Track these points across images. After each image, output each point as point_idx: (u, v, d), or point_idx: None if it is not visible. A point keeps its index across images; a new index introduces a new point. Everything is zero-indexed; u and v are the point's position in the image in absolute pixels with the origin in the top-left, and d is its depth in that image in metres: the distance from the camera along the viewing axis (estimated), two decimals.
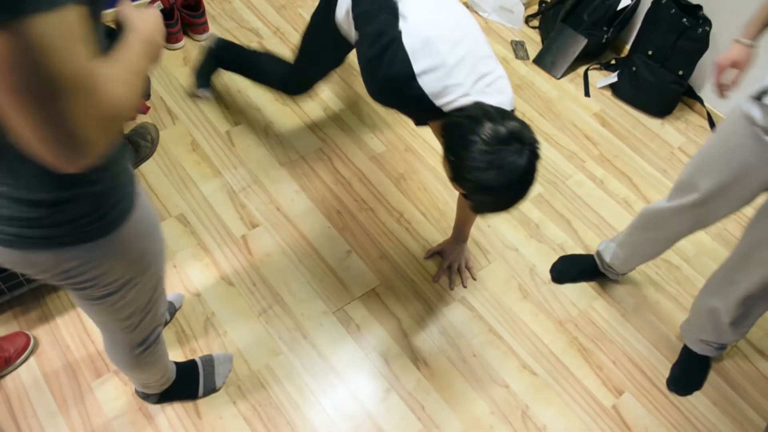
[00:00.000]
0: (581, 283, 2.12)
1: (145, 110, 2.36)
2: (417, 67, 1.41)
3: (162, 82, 2.48)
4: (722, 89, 1.56)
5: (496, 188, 1.32)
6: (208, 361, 1.76)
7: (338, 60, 1.99)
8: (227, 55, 2.25)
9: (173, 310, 1.87)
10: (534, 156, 1.34)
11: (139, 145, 2.20)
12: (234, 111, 2.44)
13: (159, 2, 2.61)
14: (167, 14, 2.60)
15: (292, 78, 2.09)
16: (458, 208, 1.97)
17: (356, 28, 1.58)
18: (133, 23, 0.87)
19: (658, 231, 1.80)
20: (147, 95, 2.42)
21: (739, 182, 1.51)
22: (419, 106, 1.47)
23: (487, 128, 1.31)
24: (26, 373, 1.71)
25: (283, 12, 2.87)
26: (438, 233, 2.18)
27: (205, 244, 2.04)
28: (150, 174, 2.20)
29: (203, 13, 2.66)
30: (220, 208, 2.14)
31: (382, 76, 1.46)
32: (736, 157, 1.48)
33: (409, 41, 1.43)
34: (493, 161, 1.30)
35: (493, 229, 2.22)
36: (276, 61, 2.14)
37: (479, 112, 1.36)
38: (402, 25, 1.47)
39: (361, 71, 1.55)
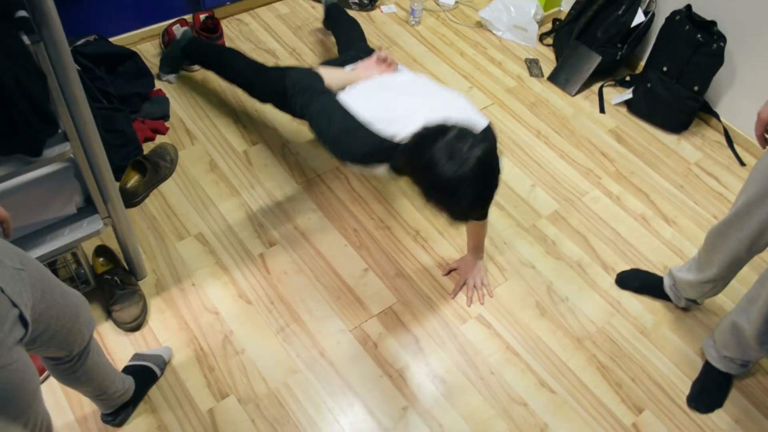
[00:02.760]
0: (599, 299, 2.11)
1: (164, 130, 2.41)
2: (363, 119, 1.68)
3: (180, 104, 2.52)
4: (765, 142, 1.57)
5: (459, 177, 1.41)
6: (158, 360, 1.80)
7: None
8: (199, 46, 2.48)
9: (162, 364, 1.81)
10: (480, 141, 1.44)
11: (159, 165, 2.23)
12: (251, 131, 2.47)
13: (177, 25, 2.66)
14: None
15: (257, 91, 2.21)
16: (468, 224, 1.98)
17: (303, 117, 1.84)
18: None
19: (730, 235, 1.74)
20: (166, 116, 2.46)
21: None
22: (381, 148, 1.64)
23: (437, 139, 1.46)
24: None
25: (299, 33, 2.91)
26: (454, 250, 2.19)
27: (223, 262, 2.06)
28: (169, 193, 2.23)
29: (221, 35, 2.71)
30: (237, 227, 2.16)
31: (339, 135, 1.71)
32: None
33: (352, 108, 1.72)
34: (448, 154, 1.42)
35: (509, 246, 2.23)
36: (245, 64, 2.27)
37: (423, 132, 1.52)
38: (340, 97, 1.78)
39: (330, 148, 1.76)
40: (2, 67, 1.24)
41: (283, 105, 2.04)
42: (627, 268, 2.20)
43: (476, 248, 2.05)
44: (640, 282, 2.14)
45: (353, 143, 1.67)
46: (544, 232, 2.29)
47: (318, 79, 1.84)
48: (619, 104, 2.84)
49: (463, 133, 1.44)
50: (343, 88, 1.86)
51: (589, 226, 2.33)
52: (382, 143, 1.63)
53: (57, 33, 1.30)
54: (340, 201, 2.28)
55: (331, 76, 1.87)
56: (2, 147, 1.38)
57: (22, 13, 1.29)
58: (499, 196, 1.86)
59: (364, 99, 1.76)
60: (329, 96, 1.78)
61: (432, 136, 1.47)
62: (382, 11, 3.14)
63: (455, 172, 1.40)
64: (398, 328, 1.97)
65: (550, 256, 2.22)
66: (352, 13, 2.99)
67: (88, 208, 1.71)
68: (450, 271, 2.12)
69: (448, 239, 2.22)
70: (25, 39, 1.28)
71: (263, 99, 2.19)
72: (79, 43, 2.35)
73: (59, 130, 1.47)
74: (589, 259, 2.23)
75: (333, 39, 2.67)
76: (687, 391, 1.93)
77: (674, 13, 2.61)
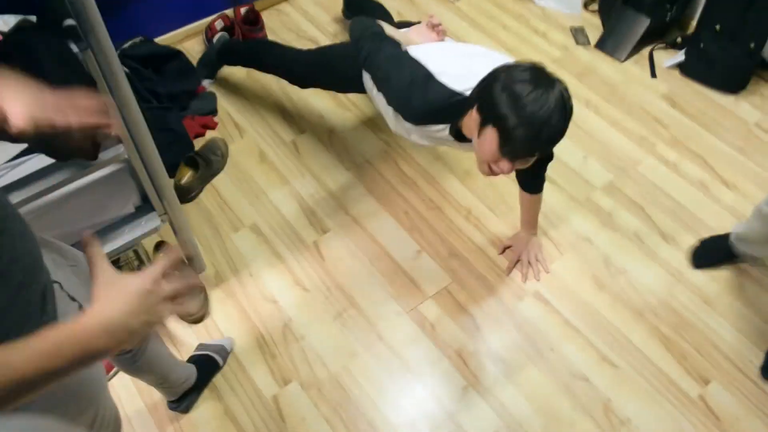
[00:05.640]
0: (660, 269, 2.06)
1: (213, 125, 2.45)
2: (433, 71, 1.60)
3: (227, 98, 2.56)
4: None
5: (544, 101, 1.32)
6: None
7: (345, 90, 2.20)
8: (233, 49, 2.52)
9: (224, 353, 1.87)
10: (558, 82, 1.36)
11: (210, 160, 2.28)
12: (297, 120, 2.49)
13: (220, 20, 2.70)
14: (228, 30, 2.69)
15: (298, 75, 2.23)
16: (521, 198, 1.95)
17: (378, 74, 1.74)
18: (97, 307, 0.71)
19: None
20: (214, 111, 2.50)
21: None
22: (449, 103, 1.56)
23: (507, 75, 1.37)
24: None
25: (338, 18, 2.91)
26: (507, 228, 2.17)
27: (278, 251, 2.10)
28: (222, 187, 2.28)
29: (262, 27, 2.73)
30: (290, 216, 2.19)
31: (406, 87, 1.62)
32: None
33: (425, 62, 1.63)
34: (531, 81, 1.34)
35: (563, 220, 2.19)
36: (280, 51, 2.30)
37: (498, 67, 1.43)
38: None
39: (394, 101, 1.67)
40: (53, 75, 1.29)
41: (329, 79, 2.08)
42: (687, 236, 2.14)
43: (530, 224, 2.03)
44: (713, 255, 2.08)
45: (422, 95, 1.58)
46: (598, 204, 2.24)
47: (383, 28, 1.78)
48: (671, 67, 2.74)
49: (539, 67, 1.38)
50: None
51: (646, 195, 2.27)
52: (452, 96, 1.55)
53: (104, 39, 1.33)
54: (389, 184, 2.28)
55: (390, 32, 1.80)
56: (60, 154, 1.43)
57: (69, 21, 1.33)
58: (550, 170, 1.83)
59: (430, 55, 1.69)
60: (397, 45, 1.72)
61: (507, 68, 1.39)
62: None
63: (540, 95, 1.32)
64: (454, 308, 1.98)
65: (607, 228, 2.17)
66: None
67: (145, 207, 1.77)
68: (504, 249, 2.11)
69: (500, 216, 2.20)
70: (74, 47, 1.32)
71: (305, 82, 2.23)
72: (126, 46, 2.41)
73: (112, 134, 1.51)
74: (647, 229, 2.17)
75: None
76: (756, 361, 1.88)
77: None
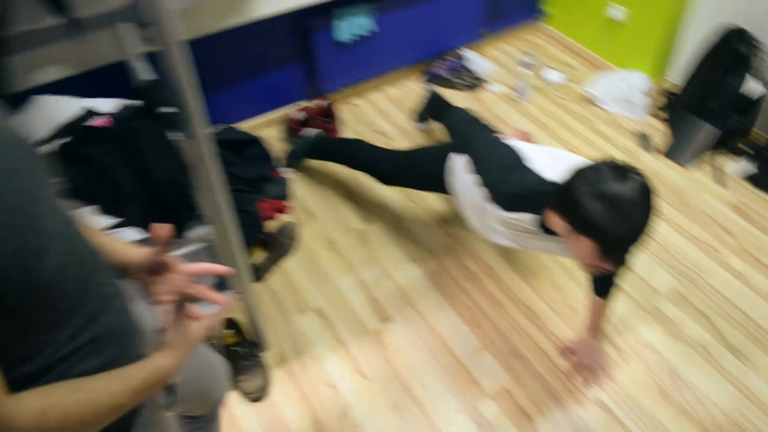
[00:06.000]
0: (728, 385, 2.01)
1: (286, 210, 2.57)
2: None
3: (301, 184, 2.69)
4: None
5: (617, 205, 1.35)
6: None
7: (427, 189, 2.27)
8: (324, 146, 2.64)
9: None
10: (638, 175, 1.40)
11: (281, 242, 2.37)
12: (367, 210, 2.58)
13: (297, 111, 2.86)
14: (304, 123, 2.85)
15: (384, 173, 2.34)
16: (589, 301, 1.96)
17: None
18: (168, 354, 0.90)
19: None
20: (288, 196, 2.62)
21: None
22: (542, 189, 1.60)
23: (593, 180, 1.42)
24: None
25: (411, 119, 3.04)
26: (570, 331, 2.16)
27: (341, 337, 2.14)
28: (290, 269, 2.36)
29: (336, 119, 2.88)
30: (355, 303, 2.24)
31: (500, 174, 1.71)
32: None
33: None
34: (615, 176, 1.40)
35: (628, 327, 2.17)
36: (369, 150, 2.42)
37: (584, 166, 1.48)
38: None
39: (489, 182, 1.74)
40: (155, 160, 1.41)
41: (415, 177, 2.20)
42: (757, 351, 2.08)
43: (595, 328, 2.02)
44: None
45: (517, 178, 1.67)
46: (664, 311, 2.22)
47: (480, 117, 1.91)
48: (739, 176, 2.75)
49: (622, 163, 1.43)
50: None
51: (713, 305, 2.24)
52: (545, 184, 1.62)
53: (202, 128, 1.44)
54: (453, 278, 2.32)
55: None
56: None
57: (170, 109, 1.45)
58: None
59: (522, 145, 1.81)
60: (494, 131, 1.83)
61: (594, 166, 1.45)
62: (489, 91, 3.23)
63: (624, 192, 1.36)
64: (514, 409, 1.96)
65: (672, 338, 2.14)
66: (459, 93, 3.12)
67: (221, 284, 1.85)
68: (566, 352, 2.09)
69: (563, 318, 2.19)
70: (175, 134, 1.43)
71: (391, 180, 2.33)
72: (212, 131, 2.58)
73: (199, 215, 1.62)
74: (715, 341, 2.13)
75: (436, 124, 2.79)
76: None
77: None
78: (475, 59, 3.28)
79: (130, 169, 1.42)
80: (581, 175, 1.45)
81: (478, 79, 3.23)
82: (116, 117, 2.02)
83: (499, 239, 1.83)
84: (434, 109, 2.82)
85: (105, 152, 1.42)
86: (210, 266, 1.08)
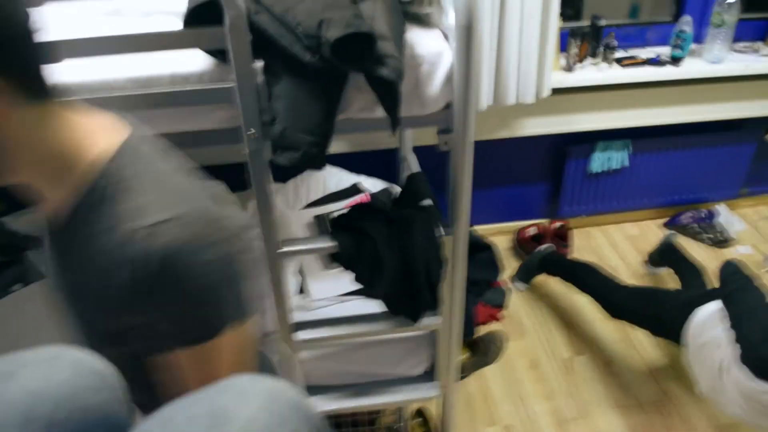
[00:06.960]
0: None
1: (499, 318, 2.61)
2: None
3: (519, 297, 2.72)
4: None
5: None
6: None
7: (657, 332, 2.18)
8: (559, 262, 2.66)
9: None
10: None
11: (488, 349, 2.42)
12: (579, 339, 2.53)
13: (534, 227, 2.94)
14: (537, 239, 2.90)
15: (615, 304, 2.28)
16: None
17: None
18: None
19: None
20: (504, 306, 2.67)
21: None
22: None
23: None
24: None
25: (644, 256, 2.95)
26: None
27: None
28: (489, 378, 2.38)
29: (569, 244, 2.90)
30: (545, 431, 2.18)
31: None
32: None
33: None
34: None
35: None
36: (605, 277, 2.38)
37: None
38: None
39: (746, 341, 1.67)
40: (421, 249, 1.54)
41: (647, 315, 2.14)
42: None
43: None
44: None
45: None
46: None
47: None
48: None
49: None
50: None
51: None
52: None
53: (464, 227, 1.55)
54: None
55: None
56: (395, 307, 1.67)
57: (429, 203, 1.59)
58: None
59: None
60: (765, 295, 1.80)
61: None
62: (736, 250, 3.03)
63: None
64: None
65: None
66: (700, 246, 2.97)
67: (428, 374, 1.92)
68: None
69: None
70: (440, 230, 1.56)
71: (619, 312, 2.28)
72: None
73: (437, 306, 1.72)
74: None
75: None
76: None
77: None
78: (725, 215, 3.11)
79: (396, 250, 1.57)
80: None
81: (725, 236, 3.05)
82: (375, 196, 2.26)
83: (729, 409, 1.70)
84: (667, 256, 2.74)
85: (380, 230, 1.59)
86: None
